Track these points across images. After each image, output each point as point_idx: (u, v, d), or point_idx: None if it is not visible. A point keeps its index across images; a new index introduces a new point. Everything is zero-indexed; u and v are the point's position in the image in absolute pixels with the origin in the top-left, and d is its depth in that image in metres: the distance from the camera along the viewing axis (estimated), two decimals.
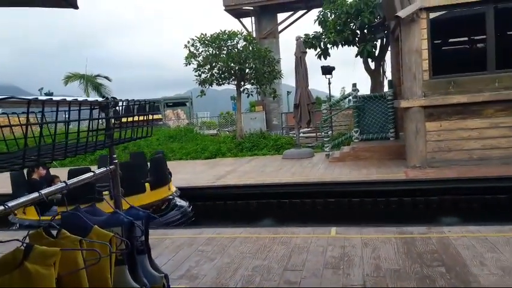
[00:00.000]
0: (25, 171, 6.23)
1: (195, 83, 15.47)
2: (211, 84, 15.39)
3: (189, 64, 15.21)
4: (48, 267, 1.16)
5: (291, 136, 16.22)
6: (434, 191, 7.58)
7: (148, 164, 7.47)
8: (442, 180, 7.67)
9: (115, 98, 1.76)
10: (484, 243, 4.03)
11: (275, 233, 4.98)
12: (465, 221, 6.26)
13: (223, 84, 15.61)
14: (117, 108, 1.84)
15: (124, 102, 1.79)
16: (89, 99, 1.58)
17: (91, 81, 22.67)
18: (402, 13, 8.18)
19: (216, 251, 4.45)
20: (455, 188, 7.47)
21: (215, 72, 15.12)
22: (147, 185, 6.72)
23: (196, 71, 15.17)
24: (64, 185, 1.47)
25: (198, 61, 15.12)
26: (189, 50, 15.21)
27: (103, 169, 1.80)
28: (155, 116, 19.78)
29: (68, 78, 22.92)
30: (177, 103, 32.71)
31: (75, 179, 1.58)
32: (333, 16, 13.82)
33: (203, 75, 15.23)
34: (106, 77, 23.81)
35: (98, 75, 23.49)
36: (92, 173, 1.70)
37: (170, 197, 7.18)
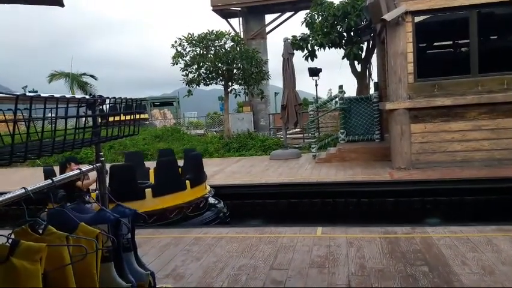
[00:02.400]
0: (57, 168, 6.20)
1: (182, 82, 15.45)
2: (198, 84, 15.38)
3: (176, 64, 15.20)
4: (34, 262, 1.16)
5: (279, 137, 16.29)
6: (418, 192, 7.69)
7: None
8: (426, 182, 7.79)
9: (102, 96, 1.76)
10: (466, 243, 4.12)
11: (261, 232, 5.00)
12: (448, 222, 6.36)
13: (211, 84, 15.63)
14: (104, 106, 1.83)
15: (111, 100, 1.79)
16: (77, 96, 1.57)
17: (76, 80, 22.41)
18: (388, 16, 8.28)
19: (202, 251, 4.45)
20: (439, 189, 7.58)
21: (202, 72, 15.13)
22: (187, 182, 6.56)
23: (183, 71, 15.14)
24: (50, 181, 1.46)
25: (185, 61, 15.11)
26: (176, 49, 15.20)
27: (89, 166, 1.79)
28: (142, 116, 19.66)
29: (53, 76, 22.63)
30: (164, 103, 32.57)
31: (61, 176, 1.58)
32: (320, 18, 13.92)
33: (190, 75, 15.23)
34: (92, 76, 23.59)
35: (84, 74, 23.24)
36: (79, 170, 1.69)
37: (207, 195, 7.04)
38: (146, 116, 24.16)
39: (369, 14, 10.27)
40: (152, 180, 6.89)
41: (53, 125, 1.43)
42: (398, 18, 8.32)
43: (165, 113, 31.37)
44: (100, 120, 1.79)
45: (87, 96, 1.65)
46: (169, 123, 25.63)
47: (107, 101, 1.76)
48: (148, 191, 6.11)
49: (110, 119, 1.87)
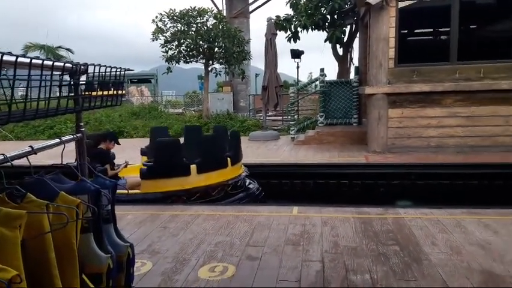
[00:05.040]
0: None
1: (162, 59, 15.16)
2: (178, 62, 15.12)
3: (156, 40, 14.87)
4: (13, 229, 1.15)
5: (258, 118, 16.29)
6: (392, 175, 7.86)
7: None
8: (400, 165, 7.97)
9: (86, 63, 1.72)
10: (436, 225, 4.27)
11: (238, 211, 5.05)
12: (419, 204, 6.55)
13: (191, 62, 15.38)
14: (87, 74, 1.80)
15: (96, 68, 1.75)
16: (62, 62, 1.54)
17: (52, 53, 21.71)
18: (372, 0, 8.30)
19: (179, 227, 4.47)
20: (412, 173, 7.78)
21: (183, 49, 14.86)
22: (228, 160, 6.36)
23: (163, 47, 14.85)
24: (30, 149, 1.44)
25: (166, 37, 14.80)
26: (157, 25, 14.84)
27: (69, 136, 1.76)
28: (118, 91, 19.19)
29: (28, 48, 21.87)
30: (141, 80, 31.93)
31: (40, 144, 1.55)
32: None
33: (170, 52, 14.93)
34: (68, 49, 22.88)
35: (59, 47, 22.51)
36: (59, 140, 1.66)
37: (244, 174, 6.85)
38: (123, 92, 23.68)
39: None
40: None
41: (38, 90, 1.40)
42: (382, 2, 8.35)
43: (142, 90, 30.86)
44: (82, 89, 1.76)
45: (71, 63, 1.61)
46: (146, 100, 25.26)
47: (91, 69, 1.73)
48: (193, 167, 5.96)
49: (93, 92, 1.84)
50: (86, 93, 1.77)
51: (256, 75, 27.94)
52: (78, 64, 1.71)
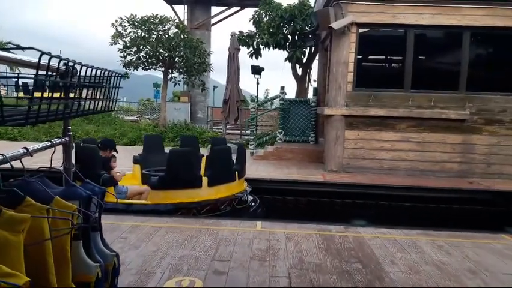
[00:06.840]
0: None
1: (119, 64, 14.81)
2: (136, 68, 14.86)
3: (115, 44, 14.55)
4: (17, 234, 1.07)
5: (216, 131, 16.24)
6: (347, 194, 8.11)
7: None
8: (355, 185, 8.24)
9: (81, 62, 1.65)
10: (394, 244, 4.44)
11: (202, 224, 4.98)
12: (373, 223, 6.78)
13: (150, 69, 15.17)
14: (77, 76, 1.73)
15: (87, 70, 1.69)
16: (56, 61, 1.47)
17: (0, 48, 20.43)
18: (335, 25, 8.63)
19: (140, 239, 4.33)
20: (366, 193, 8.06)
21: (142, 56, 14.64)
22: (236, 173, 6.20)
23: (121, 52, 14.53)
24: (25, 151, 1.36)
25: (125, 42, 14.51)
26: (116, 29, 14.54)
27: (58, 140, 1.68)
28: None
29: None
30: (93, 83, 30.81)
31: (33, 147, 1.47)
32: (267, 18, 14.13)
33: (128, 57, 14.65)
34: (18, 46, 21.60)
35: (9, 43, 21.26)
36: (50, 143, 1.58)
37: (248, 189, 6.67)
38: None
39: (316, 20, 10.60)
40: None
41: (31, 91, 1.32)
42: (344, 27, 8.69)
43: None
44: (76, 91, 1.68)
45: (61, 63, 1.53)
46: None
47: (83, 71, 1.66)
48: (205, 179, 5.79)
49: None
50: (77, 97, 1.69)
51: (215, 87, 27.92)
52: (74, 62, 1.64)
